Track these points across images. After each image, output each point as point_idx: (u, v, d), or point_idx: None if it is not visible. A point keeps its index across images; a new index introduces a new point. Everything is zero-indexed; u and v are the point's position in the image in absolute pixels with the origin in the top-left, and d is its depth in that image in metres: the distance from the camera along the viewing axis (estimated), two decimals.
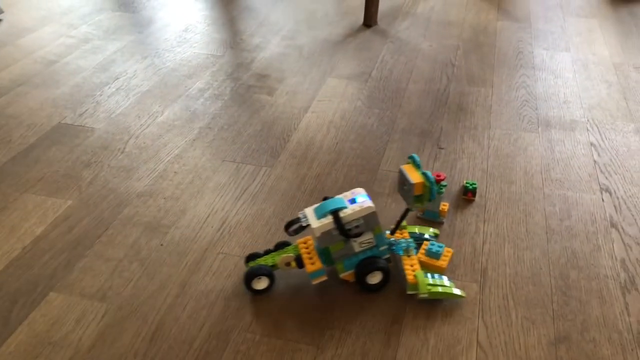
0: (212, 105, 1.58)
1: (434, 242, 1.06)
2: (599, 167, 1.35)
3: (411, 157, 0.99)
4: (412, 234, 1.10)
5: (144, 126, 1.48)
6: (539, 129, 1.50)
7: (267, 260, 1.01)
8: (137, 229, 1.14)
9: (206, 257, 1.08)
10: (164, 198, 1.23)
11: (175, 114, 1.53)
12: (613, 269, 1.07)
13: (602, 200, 1.25)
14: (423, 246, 1.07)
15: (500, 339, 0.94)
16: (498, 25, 2.13)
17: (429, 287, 0.98)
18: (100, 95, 1.61)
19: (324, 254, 0.98)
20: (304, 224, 0.98)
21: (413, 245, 1.04)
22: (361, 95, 1.64)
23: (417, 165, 0.98)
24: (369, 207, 0.95)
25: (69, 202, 1.21)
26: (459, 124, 1.51)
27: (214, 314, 0.97)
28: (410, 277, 0.99)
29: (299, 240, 1.04)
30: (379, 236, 0.98)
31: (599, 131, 1.49)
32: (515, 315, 0.98)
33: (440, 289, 0.98)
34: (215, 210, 1.20)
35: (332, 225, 0.94)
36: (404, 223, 1.08)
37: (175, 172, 1.31)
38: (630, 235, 1.15)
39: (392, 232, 1.05)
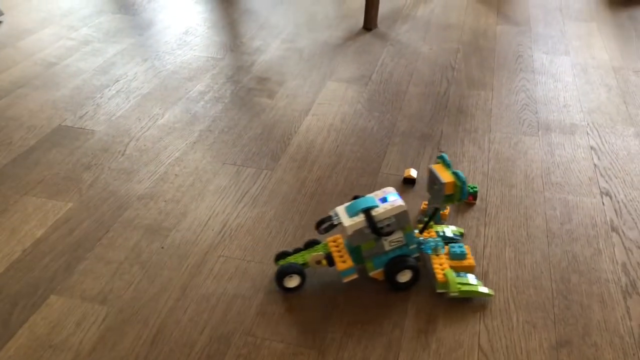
0: (212, 108, 1.58)
1: (453, 244, 1.06)
2: (599, 171, 1.35)
3: (441, 157, 1.01)
4: (438, 233, 1.11)
5: (145, 129, 1.48)
6: (539, 132, 1.50)
7: (297, 259, 1.02)
8: (137, 231, 1.14)
9: (207, 260, 1.08)
10: (165, 201, 1.23)
11: (175, 116, 1.53)
12: (614, 272, 1.07)
13: (603, 204, 1.25)
14: (445, 252, 1.06)
15: (501, 343, 0.94)
16: (498, 29, 2.13)
17: (459, 286, 0.99)
18: (101, 97, 1.61)
19: (355, 252, 1.00)
20: (335, 223, 0.99)
21: (441, 244, 1.05)
22: (361, 98, 1.64)
23: (447, 165, 1.00)
24: (401, 206, 0.96)
25: (70, 205, 1.21)
26: (459, 127, 1.51)
27: (215, 317, 0.97)
28: (440, 276, 1.00)
29: (328, 238, 1.05)
30: (409, 235, 0.99)
31: (599, 135, 1.50)
32: (516, 319, 0.98)
33: (469, 288, 0.99)
34: (216, 213, 1.19)
35: (364, 224, 0.95)
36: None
37: (175, 174, 1.31)
38: (631, 239, 1.15)
39: (421, 232, 1.06)
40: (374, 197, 0.98)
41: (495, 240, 1.14)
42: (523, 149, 1.43)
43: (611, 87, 1.73)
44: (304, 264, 1.01)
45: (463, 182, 0.96)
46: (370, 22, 2.08)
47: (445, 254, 1.05)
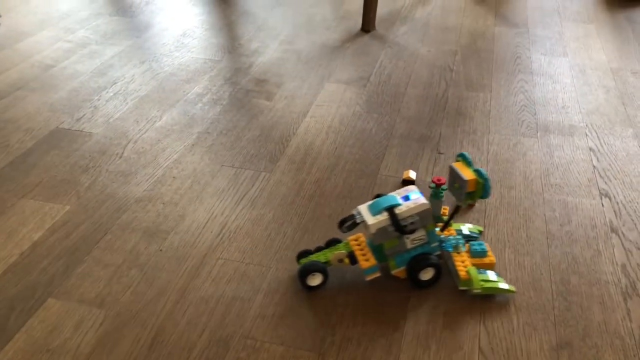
0: (210, 110, 1.57)
1: (473, 242, 1.07)
2: (598, 172, 1.35)
3: (461, 155, 1.01)
4: (457, 231, 1.11)
5: (142, 131, 1.47)
6: (538, 134, 1.50)
7: (319, 257, 1.03)
8: (135, 234, 1.14)
9: (206, 263, 1.07)
10: (163, 203, 1.22)
11: (173, 118, 1.53)
12: (614, 274, 1.07)
13: (602, 205, 1.25)
14: (465, 251, 1.07)
15: (502, 345, 0.93)
16: (496, 30, 2.13)
17: (482, 283, 0.99)
18: (98, 100, 1.61)
19: (377, 250, 1.00)
20: (358, 221, 0.99)
21: (462, 242, 1.06)
22: (360, 100, 1.64)
23: (468, 163, 1.00)
24: (424, 204, 0.97)
25: (67, 208, 1.20)
26: (457, 129, 1.51)
27: (214, 320, 0.96)
28: (462, 273, 1.00)
29: (350, 237, 1.05)
30: (431, 233, 1.00)
31: (597, 136, 1.49)
32: (516, 321, 0.97)
33: (491, 284, 0.99)
34: (215, 216, 1.19)
35: (388, 222, 0.95)
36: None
37: (174, 177, 1.30)
38: (630, 240, 1.15)
39: (442, 230, 1.07)
40: (396, 195, 0.98)
41: (495, 241, 1.14)
42: (522, 151, 1.42)
43: (609, 88, 1.73)
44: (326, 263, 1.02)
45: (486, 179, 0.96)
46: (368, 24, 2.08)
47: (466, 252, 1.05)
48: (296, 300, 1.00)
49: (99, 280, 1.03)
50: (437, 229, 1.05)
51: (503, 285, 1.00)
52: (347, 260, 1.01)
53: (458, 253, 1.05)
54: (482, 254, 1.05)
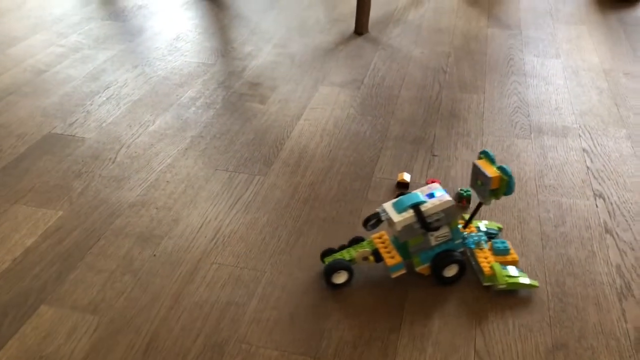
0: (204, 113, 1.57)
1: (495, 240, 1.08)
2: (592, 173, 1.36)
3: (484, 152, 1.02)
4: (476, 228, 1.12)
5: (135, 135, 1.46)
6: (532, 135, 1.50)
7: (343, 255, 1.03)
8: (129, 239, 1.13)
9: (200, 268, 1.07)
10: (157, 208, 1.22)
11: (166, 122, 1.52)
12: (609, 275, 1.07)
13: (596, 206, 1.25)
14: (488, 248, 1.08)
15: (497, 347, 0.93)
16: (489, 32, 2.14)
17: (507, 278, 1.00)
18: (91, 104, 1.60)
19: (402, 248, 1.01)
20: (383, 219, 1.00)
21: (484, 238, 1.07)
22: (354, 102, 1.64)
23: (491, 160, 1.01)
24: (449, 201, 0.98)
25: (60, 213, 1.19)
26: (451, 131, 1.51)
27: (209, 325, 0.95)
28: (487, 269, 1.01)
29: (373, 235, 1.06)
30: (455, 230, 1.01)
31: (591, 137, 1.50)
32: (512, 323, 0.97)
33: (515, 280, 1.00)
34: (209, 220, 1.18)
35: (414, 219, 0.97)
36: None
37: (167, 181, 1.30)
38: (625, 241, 1.15)
39: (464, 227, 1.08)
40: (420, 193, 1.00)
41: None
42: (516, 152, 1.42)
43: (602, 89, 1.74)
44: (351, 260, 1.02)
45: (510, 176, 0.97)
46: (361, 27, 2.08)
47: (488, 249, 1.07)
48: (291, 305, 1.00)
49: (93, 287, 1.02)
50: (460, 226, 1.06)
51: (526, 280, 1.02)
52: (371, 258, 1.02)
53: (480, 250, 1.06)
54: (505, 251, 1.06)
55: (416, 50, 1.98)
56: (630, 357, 0.92)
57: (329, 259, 1.04)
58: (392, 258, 1.01)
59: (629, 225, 1.20)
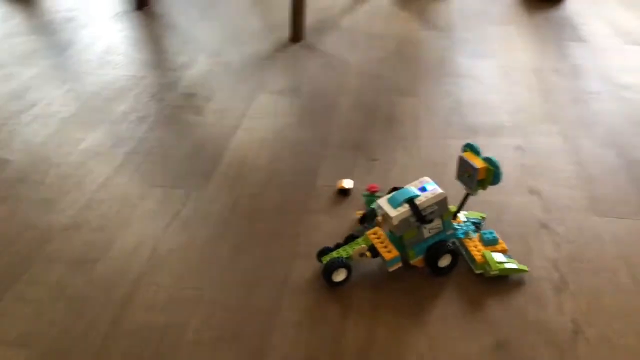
0: (137, 128, 1.52)
1: (484, 231, 1.11)
2: (527, 170, 1.39)
3: (468, 145, 1.06)
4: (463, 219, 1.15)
5: (66, 155, 1.40)
6: (467, 135, 1.53)
7: (340, 253, 1.05)
8: (61, 265, 1.08)
9: (137, 290, 1.03)
10: (90, 230, 1.16)
11: (99, 139, 1.47)
12: (546, 269, 1.10)
13: (532, 202, 1.28)
14: (476, 238, 1.11)
15: (443, 350, 0.94)
16: (421, 35, 2.17)
17: (499, 265, 1.03)
18: (17, 124, 1.52)
19: (397, 242, 1.03)
20: (378, 215, 1.02)
21: (472, 228, 1.12)
22: (292, 110, 1.63)
23: (476, 152, 1.05)
24: (442, 194, 1.01)
25: None
26: (389, 135, 1.52)
27: (149, 350, 0.92)
28: (478, 257, 1.05)
29: (368, 231, 1.08)
30: (447, 221, 1.05)
31: (524, 135, 1.54)
32: (455, 324, 0.98)
33: (507, 266, 1.03)
34: (145, 239, 1.14)
35: (409, 213, 0.99)
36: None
37: (100, 201, 1.25)
38: (560, 235, 1.19)
39: (453, 218, 1.10)
40: (412, 187, 1.01)
41: None
42: (452, 153, 1.44)
43: (533, 87, 1.79)
44: (348, 258, 1.04)
45: (497, 166, 1.01)
46: (297, 34, 2.07)
47: (477, 239, 1.10)
48: (233, 322, 0.97)
49: (21, 318, 0.97)
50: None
51: (515, 265, 1.05)
52: (368, 254, 1.05)
53: (470, 239, 1.09)
54: (494, 241, 1.10)
55: (352, 56, 1.98)
56: (569, 349, 0.94)
57: (326, 258, 1.05)
58: (388, 252, 1.03)
59: (563, 219, 1.23)
